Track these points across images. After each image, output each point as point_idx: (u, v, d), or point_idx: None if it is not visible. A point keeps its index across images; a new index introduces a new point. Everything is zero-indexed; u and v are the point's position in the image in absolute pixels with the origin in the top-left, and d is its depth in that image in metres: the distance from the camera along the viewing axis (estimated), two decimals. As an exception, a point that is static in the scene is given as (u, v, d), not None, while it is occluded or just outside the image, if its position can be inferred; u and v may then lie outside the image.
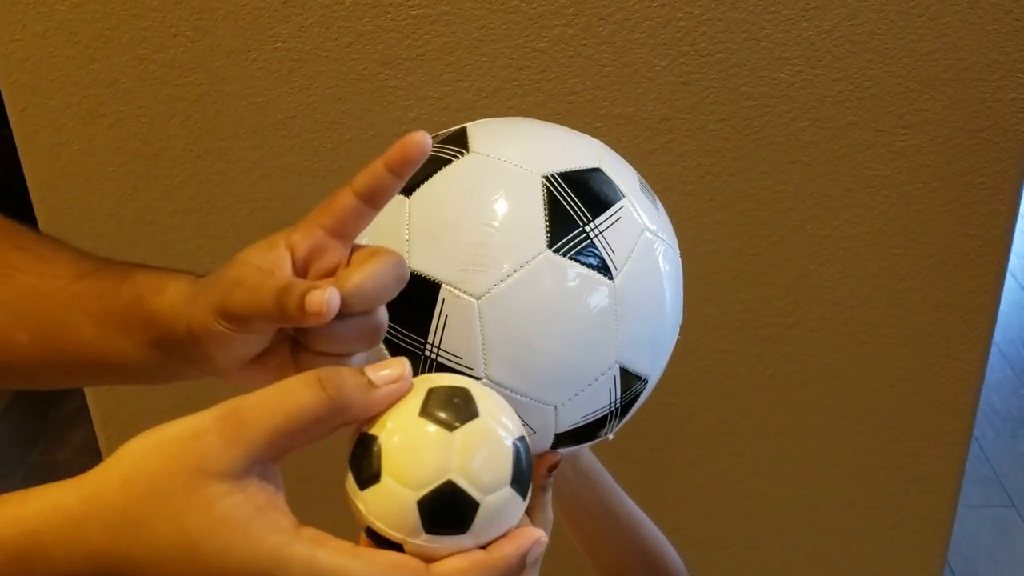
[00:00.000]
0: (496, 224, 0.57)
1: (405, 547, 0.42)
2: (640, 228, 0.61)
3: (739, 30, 1.10)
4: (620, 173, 0.63)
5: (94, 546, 0.39)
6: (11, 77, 1.13)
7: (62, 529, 0.39)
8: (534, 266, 0.56)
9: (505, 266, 0.55)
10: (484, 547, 0.42)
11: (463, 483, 0.41)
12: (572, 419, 0.58)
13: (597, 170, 0.61)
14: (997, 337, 1.32)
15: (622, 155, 1.19)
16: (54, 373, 0.61)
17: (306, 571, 0.39)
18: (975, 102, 1.13)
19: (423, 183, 0.60)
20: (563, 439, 0.60)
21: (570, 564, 0.85)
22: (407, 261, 0.55)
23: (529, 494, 0.44)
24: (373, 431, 0.43)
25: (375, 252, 0.51)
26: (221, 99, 1.14)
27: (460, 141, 0.62)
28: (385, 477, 0.41)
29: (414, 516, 0.41)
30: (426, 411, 0.42)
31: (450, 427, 0.42)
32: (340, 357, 0.52)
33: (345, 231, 0.51)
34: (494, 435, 0.43)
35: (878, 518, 1.42)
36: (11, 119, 1.15)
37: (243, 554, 0.39)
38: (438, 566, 0.41)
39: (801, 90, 1.13)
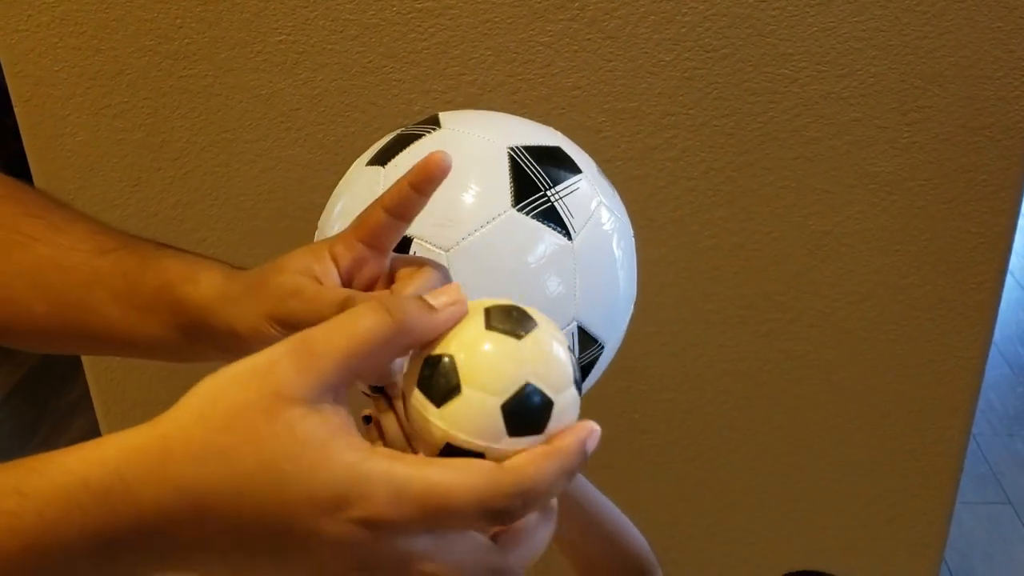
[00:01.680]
0: (465, 185, 0.61)
1: (487, 454, 0.43)
2: (597, 201, 0.65)
3: (743, 26, 1.10)
4: (579, 155, 0.68)
5: (179, 479, 0.39)
6: (16, 67, 1.13)
7: (141, 464, 0.39)
8: (500, 222, 0.60)
9: (473, 222, 0.60)
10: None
11: (540, 384, 0.43)
12: None
13: (557, 148, 0.66)
14: (996, 335, 1.32)
15: (626, 150, 1.20)
16: (72, 342, 0.62)
17: (387, 482, 0.40)
18: (978, 99, 1.14)
19: (397, 155, 0.64)
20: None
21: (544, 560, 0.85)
22: None
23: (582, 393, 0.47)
24: (441, 351, 0.44)
25: (421, 265, 0.53)
26: (226, 91, 1.14)
27: (432, 122, 0.67)
28: (465, 388, 0.43)
29: (498, 421, 0.43)
30: (491, 325, 0.44)
31: (517, 336, 0.44)
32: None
33: (381, 244, 0.54)
34: (554, 341, 0.45)
35: (875, 514, 1.42)
36: (16, 109, 1.15)
37: (325, 474, 0.40)
38: (508, 462, 0.42)
39: (805, 86, 1.13)
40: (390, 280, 0.54)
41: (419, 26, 1.11)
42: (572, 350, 0.46)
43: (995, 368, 2.68)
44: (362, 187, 0.65)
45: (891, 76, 1.13)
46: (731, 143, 1.17)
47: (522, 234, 0.60)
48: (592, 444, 0.44)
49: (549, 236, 0.61)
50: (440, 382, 0.44)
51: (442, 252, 0.60)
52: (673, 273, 1.25)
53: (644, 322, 1.28)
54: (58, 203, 0.64)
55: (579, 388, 0.46)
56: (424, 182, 0.52)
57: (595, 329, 0.64)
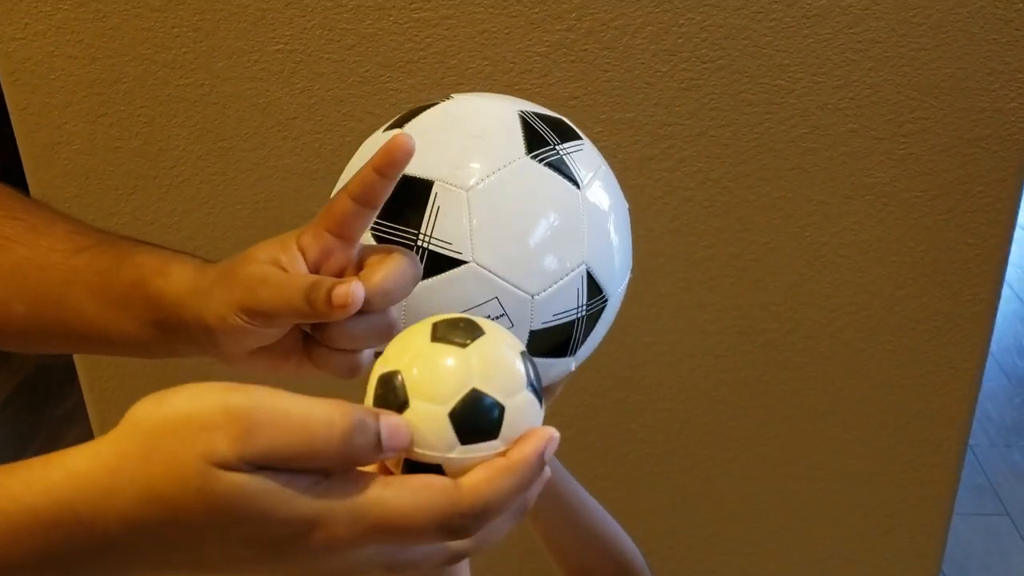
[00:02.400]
0: (481, 135, 0.65)
1: (444, 465, 0.43)
2: (600, 162, 0.69)
3: (740, 37, 1.11)
4: (579, 130, 0.71)
5: (129, 516, 0.40)
6: (13, 75, 1.13)
7: (94, 499, 0.40)
8: (516, 166, 0.63)
9: (490, 164, 0.62)
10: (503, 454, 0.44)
11: (486, 389, 0.43)
12: (544, 315, 0.64)
13: (562, 119, 0.70)
14: (993, 347, 1.32)
15: (623, 160, 1.20)
16: (52, 341, 0.62)
17: (346, 510, 0.40)
18: (974, 111, 1.14)
19: (411, 119, 0.67)
20: (536, 342, 0.65)
21: (539, 566, 0.85)
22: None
23: (544, 404, 0.47)
24: (391, 368, 0.45)
25: (390, 252, 0.53)
26: (222, 100, 1.14)
27: (444, 98, 0.70)
28: (413, 401, 0.43)
29: (447, 430, 0.43)
30: (436, 337, 0.45)
31: (463, 345, 0.44)
32: (353, 353, 0.54)
33: (348, 233, 0.54)
34: (503, 347, 0.46)
35: (873, 525, 1.42)
36: (12, 117, 1.15)
37: (283, 514, 0.40)
38: (465, 480, 0.42)
39: (801, 97, 1.14)
40: (358, 269, 0.54)
41: (416, 36, 1.11)
42: (528, 357, 0.46)
43: (992, 379, 2.68)
44: (380, 142, 0.67)
45: (887, 87, 1.13)
46: (728, 153, 1.17)
47: (536, 177, 0.63)
48: (551, 451, 0.44)
49: (560, 183, 0.64)
50: (390, 398, 0.44)
51: (462, 191, 0.62)
52: (670, 283, 1.25)
53: (641, 332, 1.28)
54: (38, 204, 0.64)
55: (536, 392, 0.46)
56: (388, 166, 0.52)
57: (601, 278, 0.66)
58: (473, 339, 0.45)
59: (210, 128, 1.16)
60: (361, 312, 0.50)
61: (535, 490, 0.45)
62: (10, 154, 1.22)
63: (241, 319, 0.52)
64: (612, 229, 0.68)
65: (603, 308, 0.68)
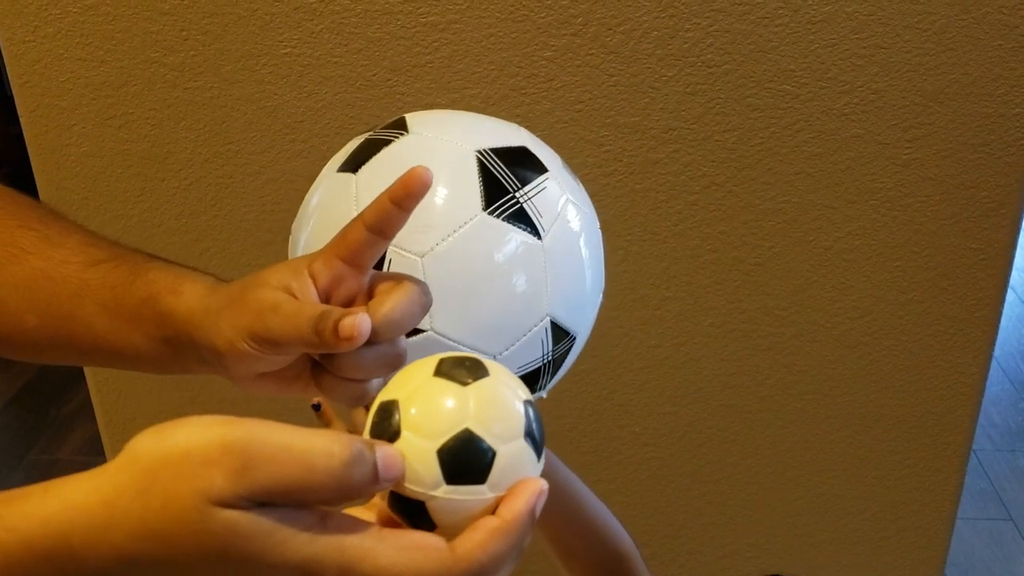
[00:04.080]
0: (436, 190, 0.62)
1: (427, 504, 0.42)
2: (564, 199, 0.67)
3: (746, 42, 1.11)
4: (544, 153, 0.69)
5: (123, 551, 0.40)
6: (22, 78, 1.14)
7: (88, 533, 0.40)
8: (472, 227, 0.62)
9: (445, 227, 0.61)
10: (493, 512, 0.43)
11: (480, 431, 0.42)
12: (511, 369, 0.62)
13: (523, 148, 0.68)
14: (997, 351, 1.33)
15: (628, 164, 1.21)
16: (62, 353, 0.62)
17: (337, 559, 0.40)
18: (979, 116, 1.14)
19: (368, 161, 0.65)
20: None
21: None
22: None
23: (543, 458, 0.45)
24: (390, 397, 0.44)
25: (399, 281, 0.53)
26: (230, 103, 1.15)
27: (400, 126, 0.68)
28: (404, 432, 0.43)
29: (435, 467, 0.42)
30: (440, 372, 0.44)
31: (463, 383, 0.43)
32: (361, 382, 0.54)
33: (360, 261, 0.54)
34: (505, 390, 0.44)
35: (876, 529, 1.42)
36: (21, 119, 1.16)
37: (274, 558, 0.40)
38: (459, 544, 0.42)
39: (806, 102, 1.14)
40: (369, 296, 0.54)
41: (423, 40, 1.11)
42: (533, 406, 0.45)
43: (997, 384, 2.68)
44: (335, 194, 0.66)
45: (892, 93, 1.13)
46: (733, 158, 1.17)
47: (493, 236, 0.62)
48: (541, 505, 0.43)
49: (519, 236, 0.63)
50: (384, 427, 0.43)
51: (417, 258, 0.61)
52: (675, 287, 1.25)
53: (646, 335, 1.29)
54: (54, 214, 0.64)
55: (535, 443, 0.44)
56: (405, 198, 0.52)
57: (567, 322, 0.66)
58: (475, 379, 0.44)
59: (218, 131, 1.16)
60: (369, 342, 0.50)
61: (527, 543, 0.44)
62: (19, 156, 1.23)
63: (249, 345, 0.52)
64: (579, 262, 0.67)
65: (571, 346, 0.67)
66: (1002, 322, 1.30)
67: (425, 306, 0.52)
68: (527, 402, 0.45)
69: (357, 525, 0.41)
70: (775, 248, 1.22)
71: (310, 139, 1.16)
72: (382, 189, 0.58)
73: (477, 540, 0.41)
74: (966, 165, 1.17)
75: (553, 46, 1.11)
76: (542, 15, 1.10)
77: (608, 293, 1.26)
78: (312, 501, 0.41)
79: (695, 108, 1.14)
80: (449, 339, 0.61)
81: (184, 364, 0.58)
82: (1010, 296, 2.82)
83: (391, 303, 0.51)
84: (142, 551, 0.40)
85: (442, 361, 0.45)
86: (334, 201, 0.66)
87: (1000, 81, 1.12)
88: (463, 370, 0.44)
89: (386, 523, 0.44)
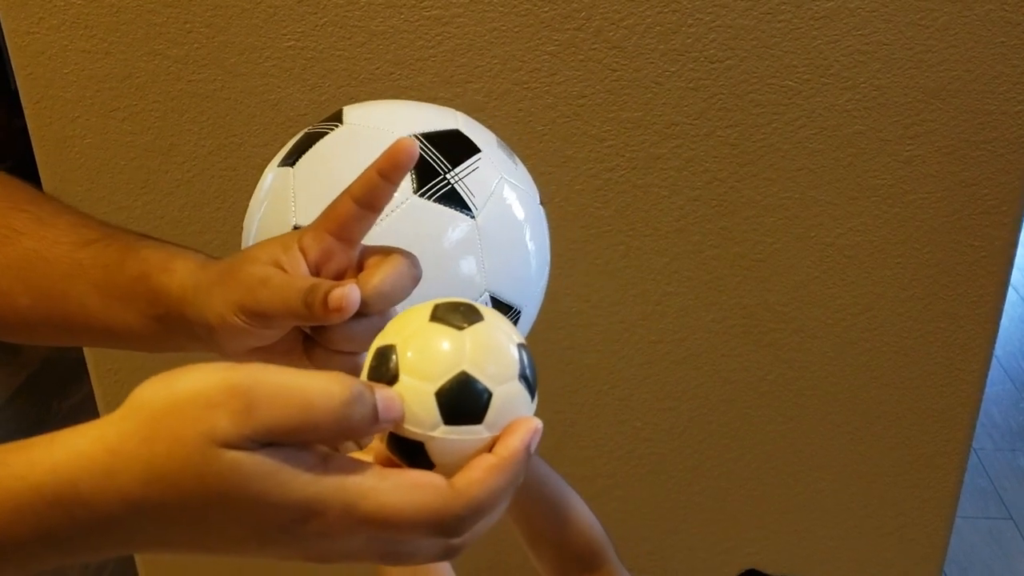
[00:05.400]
0: None
1: (426, 444, 0.43)
2: (498, 177, 0.68)
3: (748, 37, 1.11)
4: (477, 134, 0.70)
5: (130, 496, 0.40)
6: (26, 69, 1.14)
7: (95, 478, 0.40)
8: (404, 209, 0.63)
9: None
10: (489, 450, 0.44)
11: (476, 373, 0.44)
12: None
13: (455, 131, 0.69)
14: (998, 350, 1.33)
15: (630, 159, 1.21)
16: (56, 333, 0.62)
17: (339, 499, 0.41)
18: (981, 114, 1.14)
19: (304, 154, 0.67)
20: None
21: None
22: (294, 221, 0.63)
23: (536, 399, 0.47)
24: (387, 342, 0.45)
25: (389, 254, 0.53)
26: (234, 95, 1.15)
27: (335, 117, 0.70)
28: (403, 376, 0.44)
29: (433, 409, 0.43)
30: (435, 317, 0.45)
31: (459, 327, 0.45)
32: (352, 355, 0.54)
33: (349, 235, 0.54)
34: (500, 334, 0.46)
35: (875, 527, 1.42)
36: (25, 111, 1.16)
37: (277, 499, 0.40)
38: (458, 480, 0.43)
39: (809, 98, 1.14)
40: (359, 270, 0.55)
41: (426, 34, 1.11)
42: (526, 349, 0.46)
43: (998, 383, 2.68)
44: (276, 188, 0.68)
45: (894, 89, 1.13)
46: (735, 154, 1.17)
47: (426, 218, 0.64)
48: (535, 442, 0.44)
49: (452, 217, 0.64)
50: (382, 371, 0.44)
51: None
52: (676, 283, 1.25)
53: (647, 330, 1.29)
54: (44, 196, 0.65)
55: (528, 384, 0.46)
56: (392, 170, 0.52)
57: (508, 297, 0.67)
58: (470, 323, 0.45)
59: (221, 124, 1.17)
60: (360, 314, 0.50)
61: (520, 480, 0.45)
62: (23, 148, 1.23)
63: (240, 319, 0.52)
64: (518, 237, 0.68)
65: (517, 320, 0.69)
66: (1003, 321, 1.30)
67: (415, 278, 0.53)
68: (520, 345, 0.46)
69: (358, 466, 0.42)
70: (776, 244, 1.23)
71: (313, 132, 1.16)
72: (317, 183, 0.60)
73: (475, 477, 0.43)
74: (968, 162, 1.17)
75: (556, 40, 1.12)
76: (545, 9, 1.10)
77: (609, 288, 1.26)
78: (314, 440, 0.42)
79: (697, 104, 1.15)
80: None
81: (177, 341, 0.58)
82: (1011, 295, 2.82)
83: (380, 275, 0.52)
84: (149, 495, 0.40)
85: (437, 307, 0.46)
86: (275, 195, 0.67)
87: (1002, 78, 1.12)
88: (458, 315, 0.45)
89: (385, 465, 0.45)
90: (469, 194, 0.65)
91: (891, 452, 1.36)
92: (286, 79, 1.14)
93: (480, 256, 0.65)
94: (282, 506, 0.41)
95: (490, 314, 0.46)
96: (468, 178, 0.66)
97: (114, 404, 0.43)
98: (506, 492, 0.44)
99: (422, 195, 0.63)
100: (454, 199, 0.64)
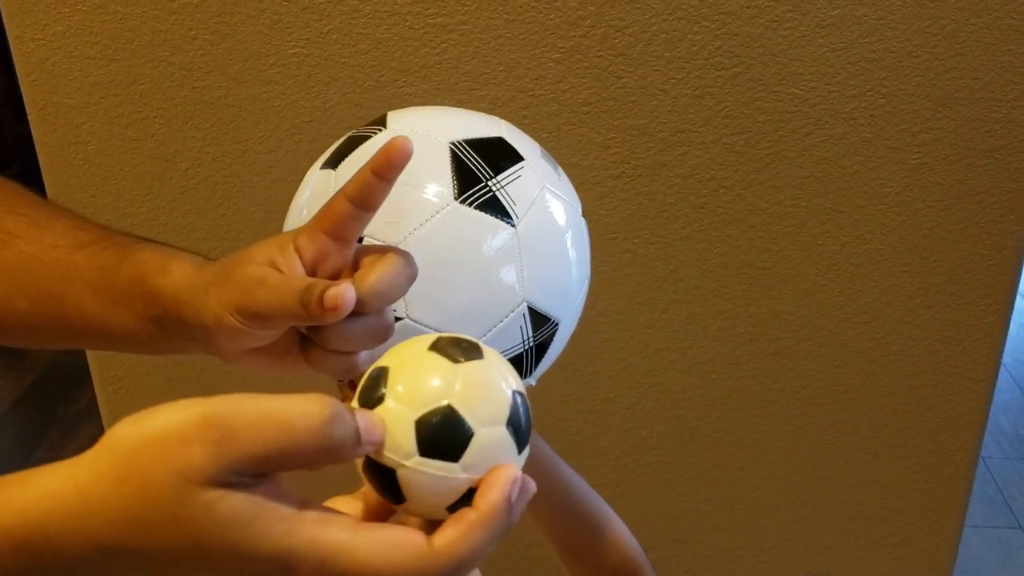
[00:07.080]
0: (410, 182, 0.62)
1: (397, 471, 0.42)
2: (540, 186, 0.67)
3: (755, 45, 1.11)
4: (522, 143, 0.70)
5: (100, 539, 0.39)
6: (30, 76, 1.14)
7: (65, 521, 0.39)
8: (444, 215, 0.63)
9: (418, 217, 0.62)
10: (465, 496, 0.43)
11: (462, 410, 0.42)
12: None
13: (499, 138, 0.69)
14: (1006, 358, 1.32)
15: (636, 167, 1.20)
16: (54, 336, 0.62)
17: (313, 554, 0.40)
18: (989, 122, 1.14)
19: (347, 156, 0.67)
20: None
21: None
22: None
23: (526, 452, 0.45)
24: (382, 363, 0.45)
25: (384, 253, 0.53)
26: (238, 102, 1.15)
27: (379, 122, 0.70)
28: (388, 400, 0.43)
29: (410, 436, 0.42)
30: (435, 347, 0.44)
31: (456, 360, 0.44)
32: (349, 355, 0.54)
33: (344, 235, 0.54)
34: (495, 375, 0.44)
35: (883, 535, 1.41)
36: (30, 117, 1.16)
37: (250, 550, 0.39)
38: (438, 539, 0.41)
39: (815, 106, 1.14)
40: (355, 270, 0.54)
41: (431, 41, 1.11)
42: (522, 398, 0.45)
43: (1006, 392, 2.67)
44: (318, 191, 0.68)
45: (901, 97, 1.13)
46: (741, 161, 1.17)
47: (466, 225, 0.63)
48: (515, 495, 0.42)
49: (492, 224, 0.63)
50: (371, 394, 0.44)
51: None
52: (682, 290, 1.25)
53: (653, 338, 1.28)
54: (41, 200, 0.65)
55: (517, 433, 0.44)
56: (386, 168, 0.52)
57: (546, 308, 0.66)
58: (468, 359, 0.44)
59: (226, 130, 1.16)
60: (356, 313, 0.50)
61: (506, 533, 0.43)
62: (28, 154, 1.23)
63: (237, 320, 0.52)
64: (558, 248, 0.67)
65: (555, 332, 0.68)
66: (1011, 329, 1.30)
67: (411, 277, 0.53)
68: (516, 392, 0.44)
69: (334, 519, 0.41)
70: (783, 252, 1.22)
71: (318, 139, 1.16)
72: None
73: (456, 535, 0.41)
74: (975, 170, 1.16)
75: (561, 48, 1.11)
76: (550, 17, 1.10)
77: (615, 296, 1.26)
78: (297, 464, 0.40)
79: (703, 111, 1.14)
80: (425, 326, 0.61)
81: (174, 343, 0.58)
82: (1019, 303, 2.81)
83: (376, 274, 0.51)
84: (120, 538, 0.39)
85: (440, 338, 0.45)
86: (317, 196, 0.67)
87: (1010, 86, 1.12)
88: (458, 349, 0.44)
89: (373, 511, 0.44)
90: (510, 202, 0.64)
91: (899, 461, 1.35)
92: (291, 86, 1.14)
93: (520, 265, 0.64)
94: (257, 558, 0.39)
95: (492, 355, 0.45)
96: (510, 186, 0.65)
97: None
98: (487, 549, 0.42)
99: (463, 202, 0.63)
100: (495, 207, 0.64)
